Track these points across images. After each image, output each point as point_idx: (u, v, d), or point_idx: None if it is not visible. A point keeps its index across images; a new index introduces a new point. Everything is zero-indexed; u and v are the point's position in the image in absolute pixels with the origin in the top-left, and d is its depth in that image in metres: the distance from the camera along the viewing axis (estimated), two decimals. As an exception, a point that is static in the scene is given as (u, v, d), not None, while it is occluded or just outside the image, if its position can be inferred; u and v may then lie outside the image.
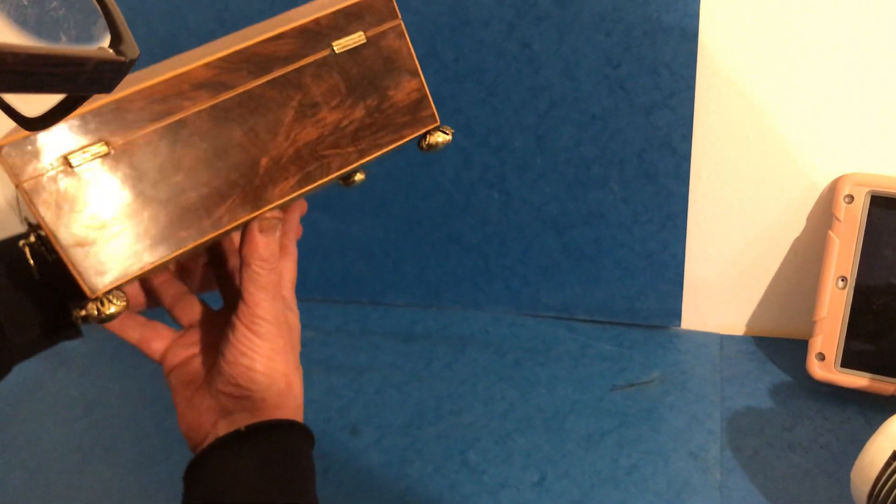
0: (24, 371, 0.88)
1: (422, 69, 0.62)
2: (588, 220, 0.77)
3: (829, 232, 0.69)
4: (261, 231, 0.46)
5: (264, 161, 0.46)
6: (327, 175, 0.48)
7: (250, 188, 0.46)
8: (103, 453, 0.75)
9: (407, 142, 0.50)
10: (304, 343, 0.84)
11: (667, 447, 0.69)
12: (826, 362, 0.70)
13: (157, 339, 0.52)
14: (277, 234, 0.46)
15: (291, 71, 0.46)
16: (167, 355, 0.52)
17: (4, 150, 0.40)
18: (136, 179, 0.43)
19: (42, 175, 0.41)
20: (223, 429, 0.47)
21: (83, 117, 0.42)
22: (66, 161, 0.41)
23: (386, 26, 0.48)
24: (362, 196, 0.82)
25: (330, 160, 0.48)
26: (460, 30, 0.71)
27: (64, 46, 0.28)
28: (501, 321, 0.85)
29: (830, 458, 0.66)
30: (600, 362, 0.78)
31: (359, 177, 0.55)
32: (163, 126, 0.44)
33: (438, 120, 0.49)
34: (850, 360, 0.70)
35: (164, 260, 0.44)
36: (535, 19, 0.69)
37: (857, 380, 0.69)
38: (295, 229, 0.53)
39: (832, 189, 0.70)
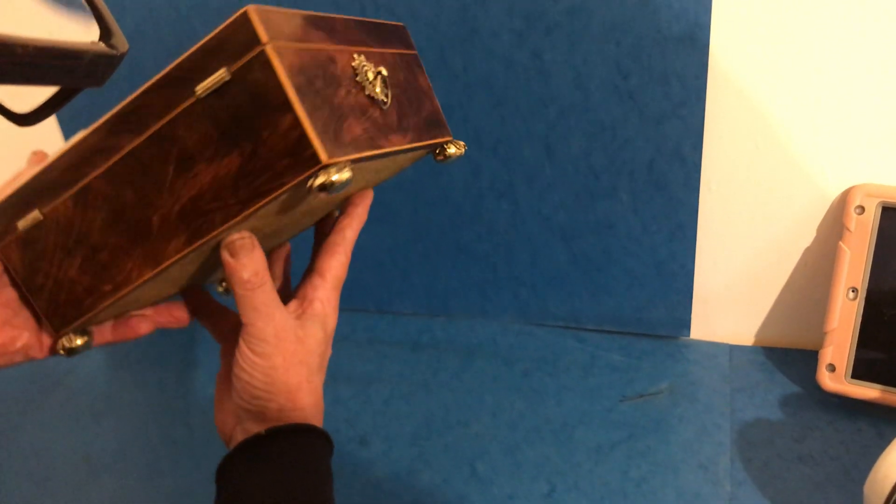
0: (32, 380, 0.88)
1: (430, 79, 0.63)
2: (597, 229, 0.76)
3: (840, 243, 0.69)
4: (231, 255, 0.45)
5: (154, 220, 0.45)
6: (212, 230, 0.45)
7: (149, 246, 0.46)
8: (111, 463, 0.75)
9: (292, 186, 0.43)
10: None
11: (676, 459, 0.68)
12: (837, 373, 0.70)
13: (224, 324, 0.55)
14: (255, 252, 0.46)
15: (164, 124, 0.44)
16: (224, 346, 0.54)
17: None
18: (64, 240, 0.47)
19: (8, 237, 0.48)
20: (240, 434, 0.48)
21: (20, 192, 0.47)
22: (15, 228, 0.48)
23: (249, 56, 0.41)
24: (371, 205, 0.82)
25: (213, 215, 0.45)
26: (470, 40, 0.71)
27: (62, 40, 0.28)
28: (509, 330, 0.85)
29: (841, 470, 0.66)
30: (609, 373, 0.78)
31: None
32: (74, 192, 0.46)
33: (323, 160, 0.41)
34: (861, 371, 0.69)
35: (97, 311, 0.48)
36: (544, 29, 0.68)
37: (868, 391, 0.69)
38: (344, 232, 0.53)
39: (843, 200, 0.69)
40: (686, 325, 0.79)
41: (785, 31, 0.65)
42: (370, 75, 0.47)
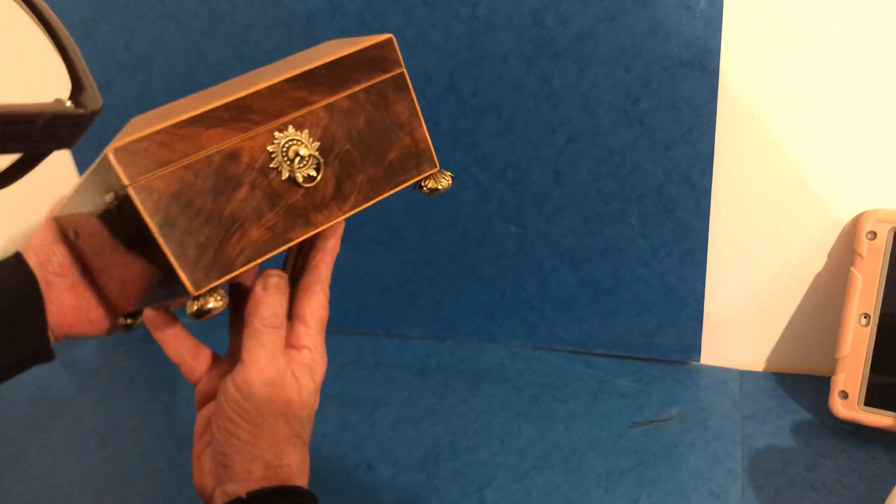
0: (37, 404, 0.88)
1: (441, 104, 0.62)
2: (606, 254, 0.76)
3: (852, 268, 0.68)
4: (264, 289, 0.46)
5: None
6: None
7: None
8: (117, 488, 0.75)
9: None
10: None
11: (687, 487, 0.68)
12: (849, 400, 0.69)
13: (197, 362, 0.53)
14: (284, 295, 0.46)
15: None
16: (199, 394, 0.52)
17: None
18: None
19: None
20: (219, 497, 0.45)
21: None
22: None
23: (119, 193, 0.43)
24: (379, 229, 0.82)
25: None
26: (479, 65, 0.71)
27: (9, 103, 0.26)
28: (518, 355, 0.84)
29: (855, 499, 0.65)
30: (619, 398, 0.77)
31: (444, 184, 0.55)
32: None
33: (192, 292, 0.44)
34: (874, 398, 0.68)
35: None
36: (553, 55, 0.68)
37: (881, 419, 0.68)
38: (320, 270, 0.52)
39: (854, 225, 0.69)
40: (696, 350, 0.78)
41: (795, 56, 0.64)
42: (292, 154, 0.47)
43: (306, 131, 0.47)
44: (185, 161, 0.43)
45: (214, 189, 0.44)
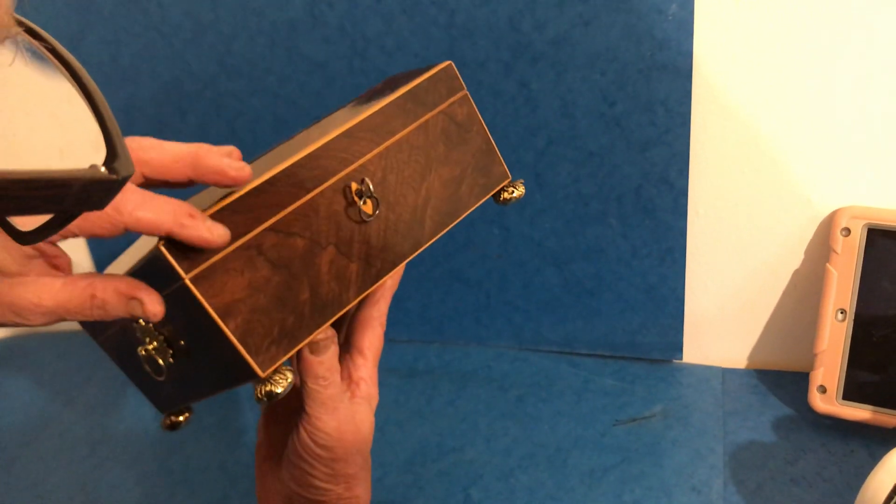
0: (28, 411, 0.89)
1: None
2: (587, 255, 0.77)
3: (828, 265, 0.69)
4: (312, 352, 0.45)
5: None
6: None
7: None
8: (108, 493, 0.76)
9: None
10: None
11: (670, 482, 0.69)
12: (828, 395, 0.70)
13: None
14: (331, 351, 0.46)
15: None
16: (264, 419, 0.53)
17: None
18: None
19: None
20: None
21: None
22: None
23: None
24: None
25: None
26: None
27: (47, 169, 0.26)
28: (504, 356, 0.85)
29: (834, 491, 0.66)
30: (602, 397, 0.78)
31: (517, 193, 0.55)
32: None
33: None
34: (851, 392, 0.70)
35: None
36: (531, 60, 0.70)
37: (859, 412, 0.69)
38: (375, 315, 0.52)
39: (829, 222, 0.70)
40: (678, 348, 0.79)
41: (767, 56, 0.66)
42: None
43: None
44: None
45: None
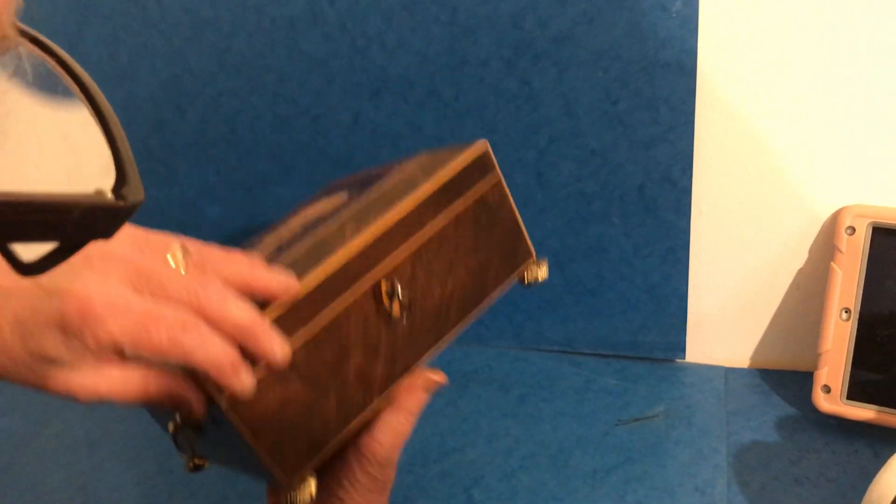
0: (26, 411, 0.88)
1: (423, 108, 0.63)
2: (589, 254, 0.77)
3: (832, 264, 0.69)
4: (425, 389, 0.47)
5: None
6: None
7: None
8: (107, 494, 0.75)
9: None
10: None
11: (673, 483, 0.68)
12: (832, 395, 0.70)
13: None
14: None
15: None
16: None
17: None
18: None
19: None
20: None
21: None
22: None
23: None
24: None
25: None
26: (460, 69, 0.72)
27: (46, 192, 0.24)
28: (505, 356, 0.85)
29: (839, 492, 0.66)
30: (605, 397, 0.78)
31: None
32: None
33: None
34: (856, 392, 0.69)
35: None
36: (533, 57, 0.69)
37: (863, 412, 0.69)
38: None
39: (833, 221, 0.70)
40: (681, 348, 0.79)
41: (771, 54, 0.65)
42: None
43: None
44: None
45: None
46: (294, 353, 0.42)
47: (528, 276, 0.55)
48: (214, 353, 0.38)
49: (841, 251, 0.68)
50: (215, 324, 0.38)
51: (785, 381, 0.77)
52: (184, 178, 0.84)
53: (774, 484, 0.67)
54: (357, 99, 0.76)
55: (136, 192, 0.26)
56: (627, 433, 0.74)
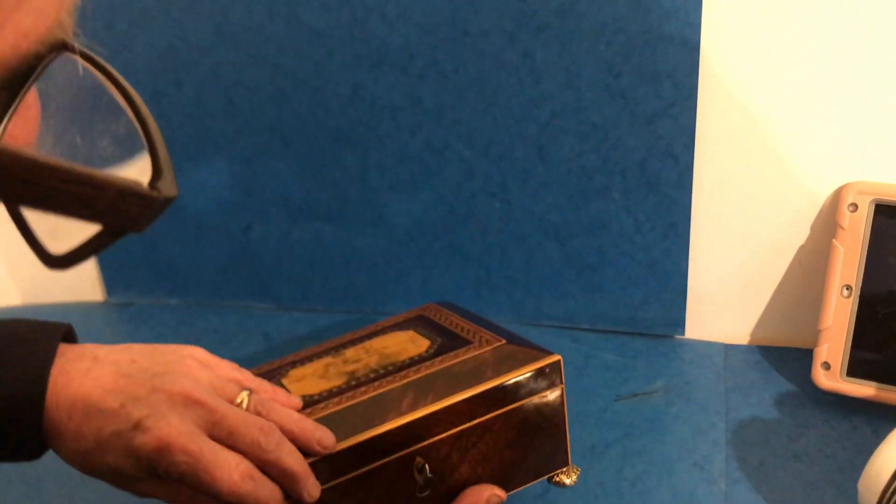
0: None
1: (424, 80, 0.62)
2: (590, 229, 0.76)
3: (834, 241, 0.68)
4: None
5: None
6: None
7: None
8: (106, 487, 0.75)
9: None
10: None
11: (671, 458, 0.68)
12: (832, 371, 0.70)
13: None
14: None
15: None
16: None
17: None
18: None
19: None
20: None
21: None
22: None
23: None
24: (364, 207, 0.82)
25: None
26: (461, 41, 0.71)
27: (90, 168, 0.26)
28: (504, 331, 0.84)
29: (837, 468, 0.66)
30: (604, 372, 0.78)
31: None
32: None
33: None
34: (856, 369, 0.69)
35: None
36: (535, 30, 0.68)
37: (863, 389, 0.69)
38: None
39: (836, 198, 0.69)
40: (681, 324, 0.79)
41: (776, 29, 0.65)
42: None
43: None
44: None
45: None
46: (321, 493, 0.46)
47: (556, 479, 0.57)
48: (265, 498, 0.43)
49: (843, 228, 0.68)
50: (269, 466, 0.44)
51: (785, 357, 0.77)
52: (181, 149, 0.84)
53: (773, 460, 0.67)
54: (357, 71, 0.75)
55: (170, 187, 0.28)
56: (626, 409, 0.74)
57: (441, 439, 0.49)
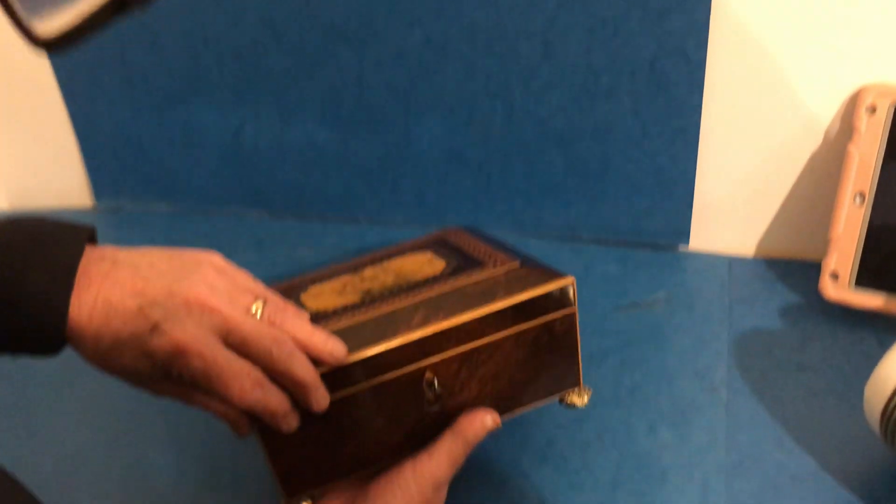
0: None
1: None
2: (595, 134, 0.73)
3: (849, 145, 0.66)
4: (484, 425, 0.50)
5: None
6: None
7: None
8: (91, 368, 0.73)
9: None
10: (300, 261, 0.82)
11: (671, 367, 0.66)
12: (840, 282, 0.68)
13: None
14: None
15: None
16: None
17: None
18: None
19: None
20: None
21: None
22: None
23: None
24: (359, 108, 0.79)
25: None
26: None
27: None
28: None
29: (841, 378, 0.64)
30: (604, 284, 0.76)
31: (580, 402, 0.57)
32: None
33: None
34: (864, 279, 0.67)
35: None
36: (543, -87, 0.64)
37: (871, 300, 0.67)
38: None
39: (853, 100, 0.66)
40: (685, 234, 0.76)
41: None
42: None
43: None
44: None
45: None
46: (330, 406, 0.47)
47: (567, 399, 0.57)
48: (273, 406, 0.45)
49: (859, 132, 0.65)
50: (279, 375, 0.45)
51: (791, 270, 0.75)
52: (171, 43, 0.80)
53: (776, 371, 0.65)
54: (353, -40, 0.71)
55: None
56: (626, 319, 0.72)
57: (451, 357, 0.49)
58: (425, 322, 0.49)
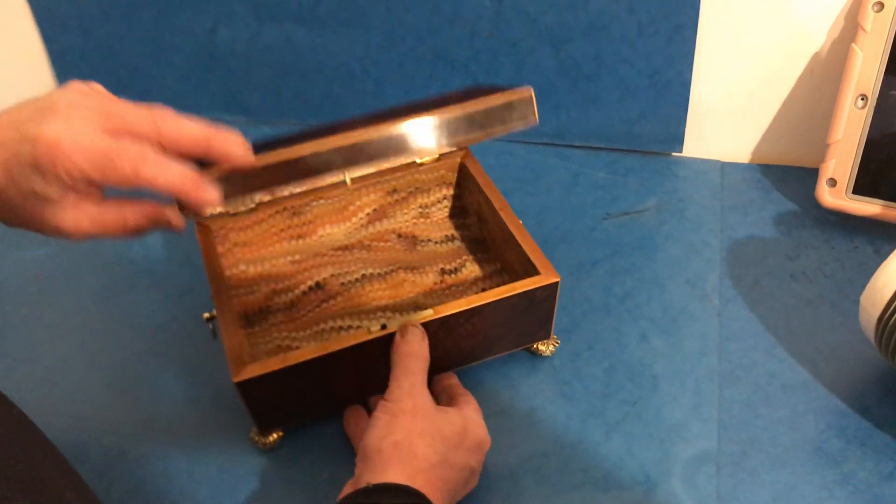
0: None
1: None
2: (588, 32, 0.70)
3: (853, 45, 0.62)
4: (402, 335, 0.51)
5: None
6: None
7: None
8: (63, 283, 0.71)
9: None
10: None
11: (662, 275, 0.65)
12: (837, 188, 0.66)
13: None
14: (415, 335, 0.51)
15: None
16: None
17: None
18: None
19: None
20: (349, 488, 0.48)
21: None
22: None
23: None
24: (339, 5, 0.74)
25: None
26: None
27: None
28: (490, 149, 0.79)
29: (835, 287, 0.63)
30: (593, 191, 0.73)
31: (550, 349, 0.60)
32: None
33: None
34: (863, 186, 0.65)
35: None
36: None
37: (868, 207, 0.65)
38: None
39: (860, -4, 0.63)
40: (679, 140, 0.74)
41: None
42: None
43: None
44: None
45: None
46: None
47: (535, 347, 0.59)
48: (174, 174, 0.42)
49: (865, 31, 0.62)
50: (175, 144, 0.43)
51: (786, 176, 0.73)
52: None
53: (769, 279, 0.64)
54: None
55: None
56: (616, 227, 0.70)
57: (431, 320, 0.51)
58: (347, 138, 0.49)
